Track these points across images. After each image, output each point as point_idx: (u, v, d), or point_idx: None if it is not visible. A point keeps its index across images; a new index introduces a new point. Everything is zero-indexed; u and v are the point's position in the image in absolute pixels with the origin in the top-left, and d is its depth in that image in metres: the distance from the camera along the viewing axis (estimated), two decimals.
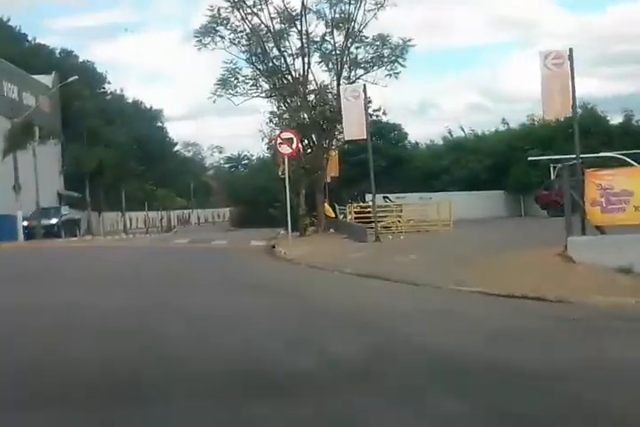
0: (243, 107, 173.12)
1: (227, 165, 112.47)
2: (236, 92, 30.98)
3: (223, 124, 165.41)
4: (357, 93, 21.18)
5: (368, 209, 27.62)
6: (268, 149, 33.07)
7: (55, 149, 61.89)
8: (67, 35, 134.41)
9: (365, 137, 22.61)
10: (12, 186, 44.86)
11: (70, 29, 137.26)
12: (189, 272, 17.19)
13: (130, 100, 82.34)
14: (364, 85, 23.84)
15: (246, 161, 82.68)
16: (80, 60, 74.55)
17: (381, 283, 14.05)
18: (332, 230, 30.01)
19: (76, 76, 51.28)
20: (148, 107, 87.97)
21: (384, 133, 50.70)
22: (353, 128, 21.38)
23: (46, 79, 62.60)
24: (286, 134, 21.53)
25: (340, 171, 39.61)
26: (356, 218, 26.98)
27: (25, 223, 44.11)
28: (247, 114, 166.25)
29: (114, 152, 56.76)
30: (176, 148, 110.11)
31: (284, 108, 29.29)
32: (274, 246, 22.90)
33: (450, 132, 54.15)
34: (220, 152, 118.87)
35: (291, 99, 29.20)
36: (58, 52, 71.12)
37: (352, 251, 19.85)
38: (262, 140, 32.56)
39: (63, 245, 32.46)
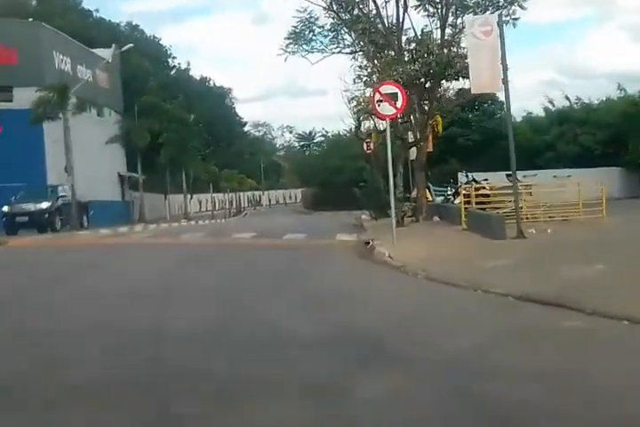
0: (313, 88, 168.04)
1: (298, 145, 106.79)
2: (312, 47, 24.69)
3: (294, 105, 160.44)
4: (489, 28, 14.49)
5: (483, 191, 21.06)
6: (356, 112, 26.48)
7: (116, 127, 56.91)
8: (136, 18, 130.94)
9: (499, 89, 15.96)
10: (64, 167, 39.69)
11: (140, 13, 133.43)
12: (246, 309, 9.19)
13: (196, 77, 76.64)
14: (500, 15, 16.96)
15: (319, 139, 76.01)
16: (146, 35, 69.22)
17: (578, 318, 7.73)
18: (436, 219, 23.49)
19: (132, 44, 45.47)
20: (216, 84, 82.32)
21: (475, 103, 43.79)
22: (483, 77, 14.75)
23: (105, 53, 57.27)
24: (388, 88, 15.07)
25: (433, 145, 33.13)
26: (470, 202, 20.21)
27: (4, 209, 33.41)
28: (318, 94, 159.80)
29: (175, 127, 50.90)
30: (245, 128, 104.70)
31: (372, 64, 22.83)
32: (369, 243, 16.60)
33: (551, 102, 46.81)
34: (291, 132, 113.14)
35: (382, 53, 22.78)
36: (123, 25, 65.92)
37: (488, 253, 13.45)
38: (349, 102, 26.23)
39: (71, 243, 23.34)
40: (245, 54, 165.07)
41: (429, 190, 30.14)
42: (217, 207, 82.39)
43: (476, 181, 22.99)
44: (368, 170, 30.86)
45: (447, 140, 39.81)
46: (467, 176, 24.03)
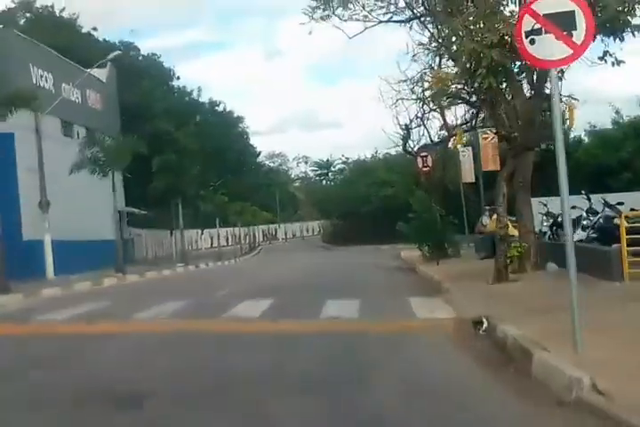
0: (328, 120, 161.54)
1: (314, 175, 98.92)
2: (353, 13, 16.44)
3: (308, 138, 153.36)
4: None
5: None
6: (423, 98, 18.10)
7: None
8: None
9: None
10: (39, 202, 31.79)
11: (156, 49, 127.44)
12: None
13: (204, 100, 68.69)
14: None
15: (338, 166, 67.76)
16: (143, 53, 61.54)
17: None
18: (552, 266, 14.36)
19: (119, 51, 37.70)
20: (227, 109, 74.42)
21: None
22: None
23: (100, 73, 49.58)
24: (554, 3, 7.17)
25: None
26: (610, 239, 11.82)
27: None
28: (333, 127, 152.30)
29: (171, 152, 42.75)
30: (259, 158, 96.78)
31: (436, 36, 14.57)
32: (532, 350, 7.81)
33: (618, 113, 38.44)
34: (306, 162, 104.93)
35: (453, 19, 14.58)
36: (117, 44, 58.19)
37: None
38: (412, 84, 18.42)
39: None
40: (258, 88, 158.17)
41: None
42: (229, 242, 74.34)
43: (611, 207, 14.52)
44: (419, 196, 22.58)
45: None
46: (588, 199, 15.62)
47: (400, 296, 12.32)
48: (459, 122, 22.83)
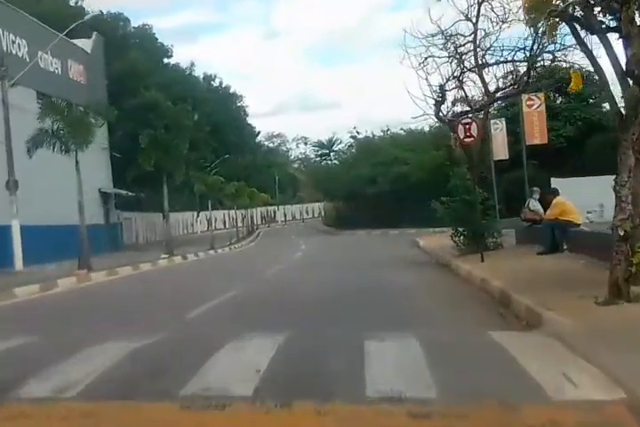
0: (323, 101, 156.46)
1: (315, 155, 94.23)
2: None
3: (307, 119, 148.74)
4: None
5: None
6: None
7: (98, 132, 44.34)
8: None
9: None
10: (5, 182, 27.32)
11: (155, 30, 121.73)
12: None
13: (199, 75, 63.62)
14: None
15: (346, 141, 62.78)
16: (135, 25, 56.60)
17: None
18: None
19: (98, 12, 33.08)
20: (223, 85, 69.39)
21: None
22: None
23: (85, 44, 44.88)
24: None
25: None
26: None
27: None
28: (332, 107, 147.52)
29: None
30: (258, 138, 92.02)
31: None
32: None
33: None
34: (306, 143, 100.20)
35: None
36: (105, 15, 53.14)
37: None
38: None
39: None
40: (256, 70, 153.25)
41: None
42: (227, 225, 70.05)
43: None
44: (460, 173, 18.06)
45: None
46: None
47: (472, 327, 7.86)
48: (500, 84, 18.30)
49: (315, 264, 20.78)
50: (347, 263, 20.24)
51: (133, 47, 52.09)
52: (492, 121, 21.79)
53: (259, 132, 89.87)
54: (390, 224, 45.27)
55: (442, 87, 17.07)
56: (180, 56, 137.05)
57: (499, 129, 22.32)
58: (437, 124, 44.84)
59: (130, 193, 45.16)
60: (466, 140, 15.50)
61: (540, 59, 16.77)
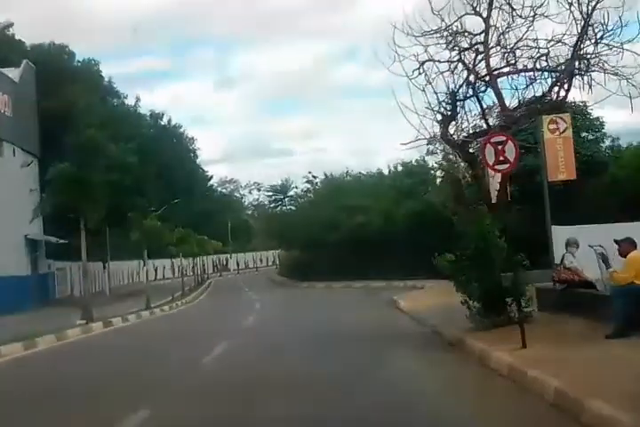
0: (278, 148, 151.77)
1: (269, 201, 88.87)
2: None
3: (259, 166, 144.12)
4: None
5: None
6: None
7: (27, 171, 38.61)
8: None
9: None
10: None
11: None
12: None
13: (144, 112, 57.96)
14: None
15: (295, 190, 57.53)
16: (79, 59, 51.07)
17: None
18: None
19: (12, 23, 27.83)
20: (172, 124, 63.86)
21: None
22: None
23: (13, 73, 39.49)
24: None
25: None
26: None
27: None
28: (284, 154, 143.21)
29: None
30: (210, 183, 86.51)
31: None
32: None
33: None
34: (259, 189, 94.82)
35: None
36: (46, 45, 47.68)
37: None
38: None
39: None
40: (209, 118, 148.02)
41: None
42: (176, 274, 64.07)
43: None
44: (465, 219, 12.85)
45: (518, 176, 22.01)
46: None
47: None
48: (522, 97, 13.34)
49: (271, 344, 15.25)
50: (313, 340, 14.78)
51: (75, 80, 46.62)
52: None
53: (211, 177, 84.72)
54: (353, 276, 39.92)
55: (453, 95, 12.00)
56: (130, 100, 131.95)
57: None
58: (422, 160, 40.35)
59: (61, 240, 39.20)
60: (498, 166, 10.39)
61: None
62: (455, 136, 12.62)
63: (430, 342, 13.35)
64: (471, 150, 13.07)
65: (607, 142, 29.40)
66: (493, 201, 13.50)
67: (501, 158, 10.37)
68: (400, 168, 45.30)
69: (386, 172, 48.70)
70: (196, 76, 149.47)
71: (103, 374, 11.18)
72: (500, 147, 10.36)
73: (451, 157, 14.46)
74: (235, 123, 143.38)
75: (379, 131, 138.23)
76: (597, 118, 28.96)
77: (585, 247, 13.68)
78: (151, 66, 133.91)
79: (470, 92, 12.72)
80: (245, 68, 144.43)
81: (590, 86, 13.58)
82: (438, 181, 32.46)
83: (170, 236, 37.81)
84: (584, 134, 28.20)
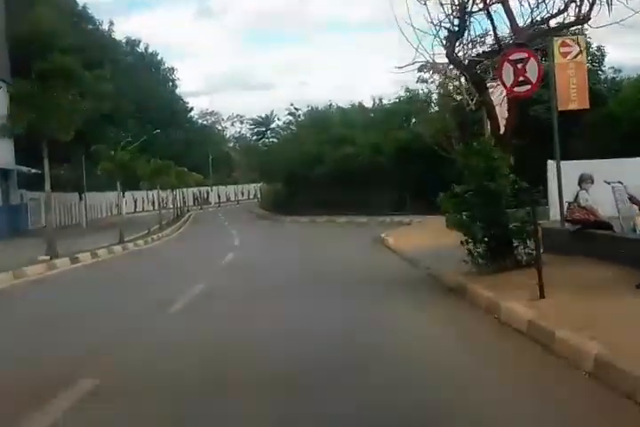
0: (258, 82, 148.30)
1: (250, 133, 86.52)
2: None
3: (241, 99, 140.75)
4: None
5: None
6: None
7: None
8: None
9: None
10: None
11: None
12: None
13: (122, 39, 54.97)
14: None
15: (284, 118, 55.26)
16: None
17: None
18: None
19: None
20: (149, 51, 60.91)
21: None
22: None
23: None
24: None
25: None
26: None
27: None
28: (264, 88, 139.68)
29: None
30: (191, 115, 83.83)
31: None
32: None
33: None
34: (242, 122, 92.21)
35: None
36: None
37: None
38: None
39: None
40: (190, 48, 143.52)
41: None
42: (155, 207, 62.54)
43: None
44: (484, 149, 11.14)
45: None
46: None
47: None
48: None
49: (251, 283, 13.82)
50: (299, 282, 13.36)
51: (47, 5, 43.66)
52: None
53: (191, 108, 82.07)
54: (336, 211, 38.52)
55: (462, 7, 10.21)
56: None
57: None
58: (409, 92, 38.30)
59: (33, 170, 37.26)
60: (517, 88, 8.76)
61: None
62: (461, 55, 10.85)
63: (428, 287, 11.93)
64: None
65: (608, 74, 27.68)
66: (501, 131, 11.90)
67: (521, 79, 8.72)
68: (385, 101, 43.53)
69: (370, 105, 46.97)
70: (176, 5, 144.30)
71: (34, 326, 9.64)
72: (520, 65, 8.70)
73: (454, 83, 12.74)
74: (216, 55, 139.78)
75: (363, 66, 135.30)
76: (599, 48, 27.17)
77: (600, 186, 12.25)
78: None
79: (481, 5, 10.89)
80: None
81: (610, 4, 11.80)
82: (432, 109, 30.69)
83: (145, 167, 35.90)
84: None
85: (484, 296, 9.52)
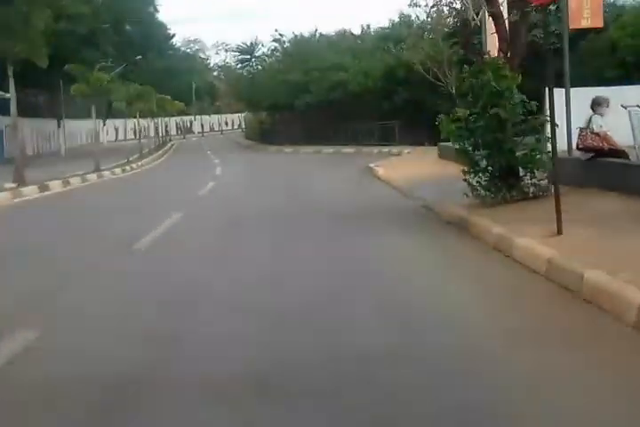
0: (243, 9, 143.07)
1: (234, 61, 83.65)
2: None
3: (227, 27, 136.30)
4: None
5: None
6: None
7: None
8: None
9: None
10: None
11: None
12: None
13: None
14: None
15: (269, 44, 53.02)
16: None
17: None
18: None
19: None
20: None
21: None
22: None
23: None
24: None
25: None
26: None
27: None
28: (247, 17, 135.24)
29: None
30: (173, 42, 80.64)
31: None
32: None
33: None
34: (227, 51, 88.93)
35: None
36: None
37: None
38: None
39: None
40: None
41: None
42: (137, 136, 60.84)
43: None
44: (491, 63, 9.83)
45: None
46: None
47: None
48: None
49: (230, 212, 12.70)
50: (284, 214, 12.21)
51: None
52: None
53: (173, 35, 78.80)
54: (322, 141, 37.14)
55: None
56: None
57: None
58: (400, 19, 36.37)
59: (7, 95, 35.38)
60: None
61: None
62: None
63: (423, 220, 10.84)
64: None
65: None
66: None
67: None
68: (375, 28, 41.72)
69: (358, 32, 45.10)
70: None
71: None
72: None
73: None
74: None
75: None
76: None
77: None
78: None
79: None
80: None
81: None
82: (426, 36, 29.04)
83: (123, 91, 34.07)
84: None
85: (491, 232, 8.42)
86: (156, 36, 68.42)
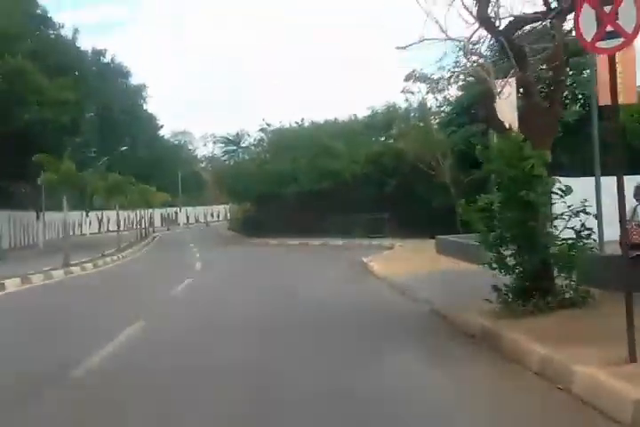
0: (233, 101, 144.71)
1: (221, 152, 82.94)
2: None
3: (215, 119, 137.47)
4: None
5: None
6: None
7: None
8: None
9: None
10: None
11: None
12: None
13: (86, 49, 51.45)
14: None
15: (254, 135, 52.07)
16: None
17: None
18: None
19: None
20: (116, 62, 57.43)
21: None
22: None
23: None
24: None
25: None
26: None
27: None
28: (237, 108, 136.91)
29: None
30: (161, 134, 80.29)
31: None
32: None
33: None
34: (215, 142, 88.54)
35: None
36: None
37: None
38: None
39: None
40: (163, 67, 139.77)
41: None
42: (121, 227, 59.01)
43: None
44: (512, 141, 8.06)
45: None
46: None
47: None
48: None
49: (201, 322, 10.58)
50: (270, 324, 10.11)
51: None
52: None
53: (162, 126, 78.40)
54: (309, 233, 35.28)
55: None
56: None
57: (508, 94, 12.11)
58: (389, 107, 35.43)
59: None
60: (602, 44, 5.80)
61: None
62: (495, 19, 7.87)
63: (437, 332, 8.78)
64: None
65: None
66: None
67: (609, 28, 5.71)
68: (361, 115, 41.09)
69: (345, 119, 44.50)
70: (148, 25, 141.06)
71: None
72: (607, 8, 5.70)
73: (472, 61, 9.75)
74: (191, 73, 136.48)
75: (336, 85, 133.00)
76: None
77: None
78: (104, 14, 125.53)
79: None
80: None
81: None
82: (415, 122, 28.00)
83: (98, 180, 32.23)
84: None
85: (534, 352, 6.40)
86: (144, 127, 67.79)
